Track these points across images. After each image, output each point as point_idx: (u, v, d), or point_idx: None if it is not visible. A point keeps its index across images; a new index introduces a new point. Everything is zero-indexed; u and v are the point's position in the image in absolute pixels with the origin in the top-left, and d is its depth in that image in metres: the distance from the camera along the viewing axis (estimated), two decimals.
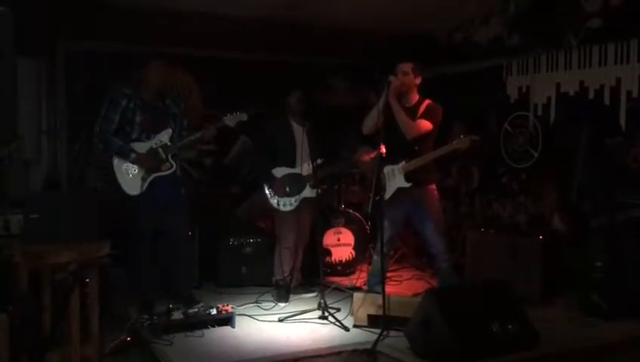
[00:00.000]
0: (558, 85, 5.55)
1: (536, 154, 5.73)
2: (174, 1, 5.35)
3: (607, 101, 5.12)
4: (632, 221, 4.56)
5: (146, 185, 4.44)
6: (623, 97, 4.99)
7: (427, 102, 4.58)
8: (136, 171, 4.44)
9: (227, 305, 4.36)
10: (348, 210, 6.11)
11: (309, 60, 6.46)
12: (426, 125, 4.47)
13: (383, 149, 4.36)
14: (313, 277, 5.31)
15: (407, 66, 4.55)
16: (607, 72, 5.10)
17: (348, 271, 5.95)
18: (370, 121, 4.57)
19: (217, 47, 6.08)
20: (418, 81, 4.60)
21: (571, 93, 5.43)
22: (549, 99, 5.64)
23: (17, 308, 3.31)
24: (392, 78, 4.44)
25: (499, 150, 6.07)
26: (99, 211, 3.81)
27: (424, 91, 4.68)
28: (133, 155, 4.40)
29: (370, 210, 4.67)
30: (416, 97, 4.62)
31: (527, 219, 5.72)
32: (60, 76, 5.59)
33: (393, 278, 5.73)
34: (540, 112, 5.73)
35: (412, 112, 4.53)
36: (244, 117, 4.57)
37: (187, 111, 4.80)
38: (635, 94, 4.90)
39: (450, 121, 5.15)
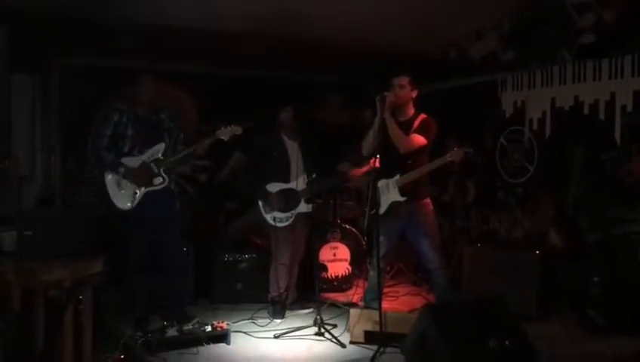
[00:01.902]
0: (553, 100, 5.57)
1: (531, 169, 5.74)
2: (170, 18, 5.37)
3: (602, 116, 5.13)
4: (628, 236, 4.55)
5: (138, 199, 4.41)
6: (618, 112, 5.00)
7: (422, 116, 4.58)
8: (129, 186, 4.41)
9: (222, 322, 4.33)
10: (344, 225, 6.09)
11: (304, 77, 6.47)
12: (419, 140, 4.46)
13: (377, 163, 4.35)
14: (309, 293, 5.28)
15: (404, 79, 4.54)
16: (602, 87, 5.12)
17: (344, 286, 5.92)
18: (369, 143, 4.56)
19: (214, 64, 6.09)
20: (414, 94, 4.60)
21: (566, 107, 5.45)
22: (544, 113, 5.66)
23: (10, 326, 3.28)
24: (386, 93, 4.43)
25: (494, 164, 6.08)
26: (92, 227, 3.80)
27: (420, 106, 4.68)
28: (122, 169, 4.38)
29: (365, 225, 4.66)
30: (411, 111, 4.62)
31: (523, 233, 5.71)
32: (54, 93, 5.59)
33: (389, 294, 5.71)
34: (535, 127, 5.75)
35: (407, 126, 4.52)
36: (238, 130, 4.54)
37: (182, 127, 4.78)
38: (629, 109, 4.92)
39: (446, 137, 5.15)
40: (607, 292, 4.49)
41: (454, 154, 4.36)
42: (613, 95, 5.04)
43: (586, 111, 5.27)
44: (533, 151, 5.73)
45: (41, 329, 3.42)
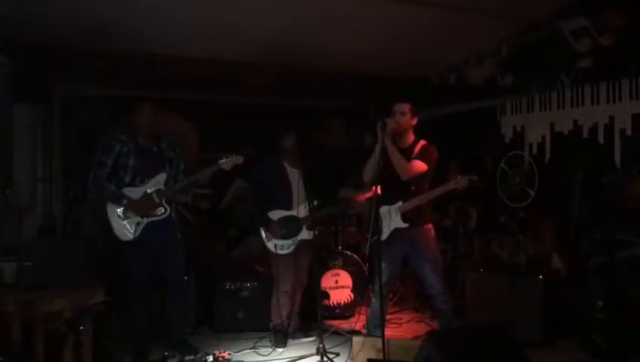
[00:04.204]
0: (552, 124, 5.59)
1: (532, 193, 5.72)
2: (172, 47, 5.42)
3: (601, 139, 5.14)
4: (632, 259, 4.53)
5: (139, 230, 4.40)
6: (617, 135, 5.02)
7: (422, 143, 4.59)
8: (130, 216, 4.40)
9: (224, 352, 4.30)
10: (345, 252, 6.07)
11: (306, 103, 6.51)
12: (420, 166, 4.47)
13: (379, 190, 4.36)
14: (311, 320, 5.24)
15: (404, 107, 4.57)
16: (600, 111, 5.14)
17: (346, 314, 5.88)
18: (371, 169, 4.57)
19: (215, 92, 6.13)
20: (414, 121, 4.62)
21: (565, 132, 5.46)
22: (543, 138, 5.68)
23: (10, 357, 3.25)
24: (387, 120, 4.46)
25: (495, 189, 6.08)
26: (93, 258, 3.79)
27: (419, 132, 4.70)
28: (124, 201, 4.37)
29: (367, 252, 4.64)
30: (411, 138, 4.64)
31: (526, 258, 5.67)
32: (56, 122, 5.62)
33: (392, 321, 5.66)
34: (535, 151, 5.76)
35: (407, 153, 4.54)
36: (240, 160, 4.56)
37: (183, 155, 4.79)
38: (628, 132, 4.93)
39: (447, 162, 5.16)
40: (612, 316, 4.45)
41: (458, 182, 4.36)
42: (611, 118, 5.06)
43: (585, 135, 5.28)
44: (534, 175, 5.73)
45: (42, 360, 3.39)
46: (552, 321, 4.84)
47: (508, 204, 5.97)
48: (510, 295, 4.90)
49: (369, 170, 4.59)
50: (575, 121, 5.37)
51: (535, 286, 4.87)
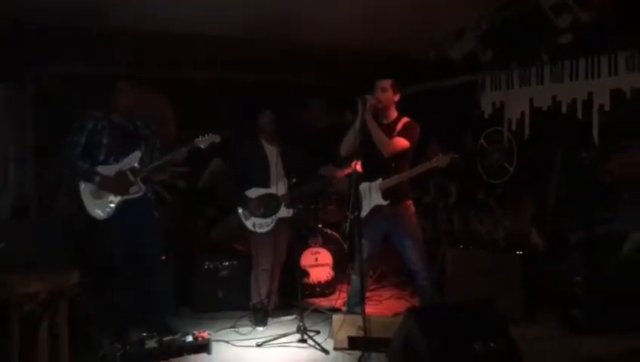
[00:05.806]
0: (531, 100, 5.59)
1: (511, 169, 5.75)
2: (146, 23, 5.29)
3: (579, 115, 5.16)
4: (610, 235, 4.57)
5: (113, 209, 4.31)
6: (595, 111, 5.03)
7: (405, 119, 4.56)
8: (104, 195, 4.31)
9: (203, 331, 4.26)
10: (325, 230, 6.05)
11: (284, 81, 6.43)
12: (402, 143, 4.45)
13: (359, 166, 4.33)
14: (291, 299, 5.23)
15: (386, 83, 4.53)
16: (579, 87, 5.16)
17: (327, 291, 5.88)
18: (348, 143, 4.54)
19: (191, 68, 6.02)
20: (397, 97, 4.58)
21: (544, 107, 5.47)
22: (522, 114, 5.68)
23: None
24: (368, 96, 4.41)
25: (475, 166, 6.08)
26: (69, 238, 3.72)
27: (399, 108, 4.66)
28: (97, 178, 4.28)
29: (347, 229, 4.62)
30: (394, 114, 4.60)
31: (505, 234, 5.71)
32: (28, 101, 5.48)
33: (373, 298, 5.67)
34: (514, 127, 5.76)
35: (389, 129, 4.50)
36: (216, 138, 4.49)
37: (159, 133, 4.70)
38: (607, 108, 4.95)
39: (427, 138, 5.15)
40: (589, 291, 4.50)
41: (440, 160, 4.33)
42: (590, 95, 5.07)
43: (564, 110, 5.29)
44: (513, 151, 5.74)
45: (17, 343, 3.33)
46: (532, 296, 4.88)
47: (487, 180, 5.99)
48: (490, 271, 4.94)
49: (346, 144, 4.57)
50: (554, 97, 5.38)
51: (514, 261, 4.90)
